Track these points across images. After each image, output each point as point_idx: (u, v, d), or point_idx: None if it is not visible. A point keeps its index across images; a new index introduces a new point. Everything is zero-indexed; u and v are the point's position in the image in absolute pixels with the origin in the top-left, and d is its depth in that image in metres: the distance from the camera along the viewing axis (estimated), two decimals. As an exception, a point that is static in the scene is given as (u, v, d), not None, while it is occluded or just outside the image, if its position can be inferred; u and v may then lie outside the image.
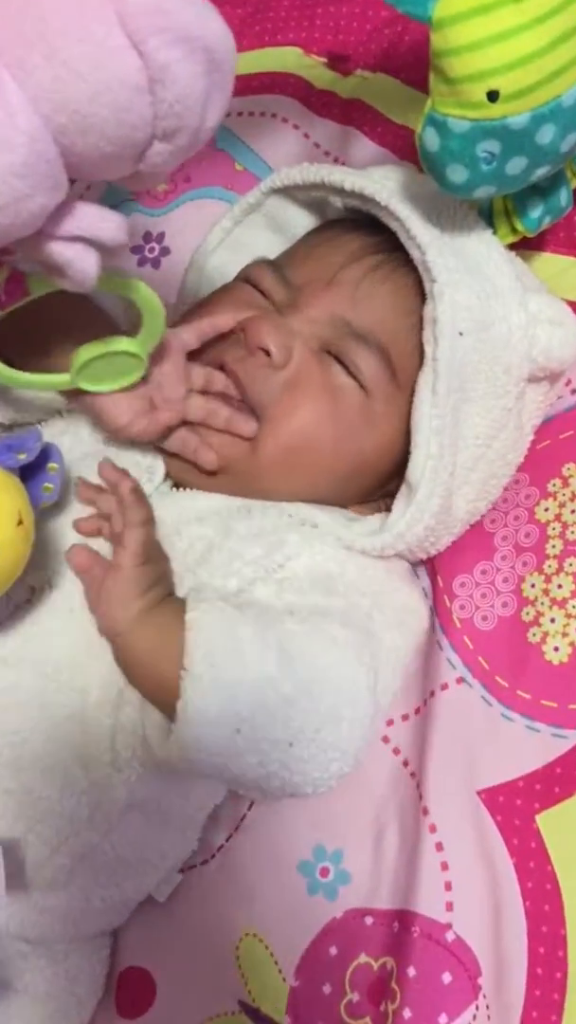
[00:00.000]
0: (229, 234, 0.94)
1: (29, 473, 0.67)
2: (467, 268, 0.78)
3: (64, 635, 0.77)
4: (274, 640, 0.72)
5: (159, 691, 0.72)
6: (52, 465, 0.69)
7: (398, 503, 0.82)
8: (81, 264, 0.54)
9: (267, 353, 0.79)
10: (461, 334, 0.77)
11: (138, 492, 0.76)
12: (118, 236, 0.54)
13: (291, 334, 0.81)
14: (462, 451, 0.80)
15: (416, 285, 0.81)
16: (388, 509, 0.84)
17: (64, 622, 0.77)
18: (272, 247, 0.93)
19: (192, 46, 0.48)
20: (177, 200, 1.08)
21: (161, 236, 1.09)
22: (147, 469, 0.82)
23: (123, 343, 0.67)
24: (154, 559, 0.76)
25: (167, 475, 0.84)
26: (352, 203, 0.84)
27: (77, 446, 0.83)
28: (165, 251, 1.08)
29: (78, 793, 0.76)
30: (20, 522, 0.61)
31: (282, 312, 0.82)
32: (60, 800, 0.76)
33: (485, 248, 0.81)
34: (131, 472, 0.80)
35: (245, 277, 0.86)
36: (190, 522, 0.81)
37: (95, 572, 0.75)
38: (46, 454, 0.69)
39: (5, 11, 0.47)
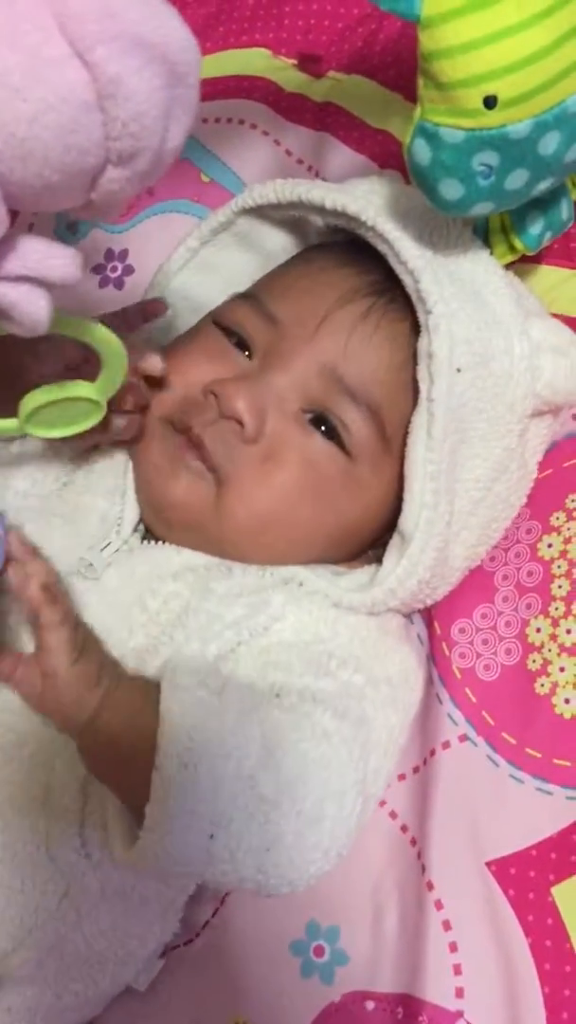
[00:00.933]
0: (196, 254, 0.86)
1: None
2: (465, 295, 0.72)
3: (30, 711, 0.69)
4: (257, 733, 0.65)
5: (126, 790, 0.65)
6: None
7: (390, 554, 0.75)
8: (29, 307, 0.47)
9: (239, 423, 0.73)
10: (459, 370, 0.70)
11: (49, 588, 0.66)
12: (69, 273, 0.47)
13: (268, 398, 0.74)
14: (460, 497, 0.74)
15: (411, 324, 0.74)
16: (379, 559, 0.77)
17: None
18: (245, 268, 0.87)
19: (149, 55, 0.41)
20: (140, 215, 1.01)
21: (124, 254, 1.01)
22: (115, 521, 0.76)
23: (80, 388, 0.61)
24: (89, 648, 0.68)
25: (139, 524, 0.77)
26: (335, 223, 0.77)
27: (33, 488, 0.76)
28: (128, 270, 1.01)
29: (43, 882, 0.69)
30: None
31: (263, 364, 0.75)
32: (23, 890, 0.69)
33: (483, 271, 0.75)
34: (97, 524, 0.74)
35: (219, 320, 0.79)
36: (164, 579, 0.74)
37: (29, 679, 0.67)
38: None
39: None
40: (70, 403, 0.62)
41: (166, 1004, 0.81)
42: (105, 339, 0.57)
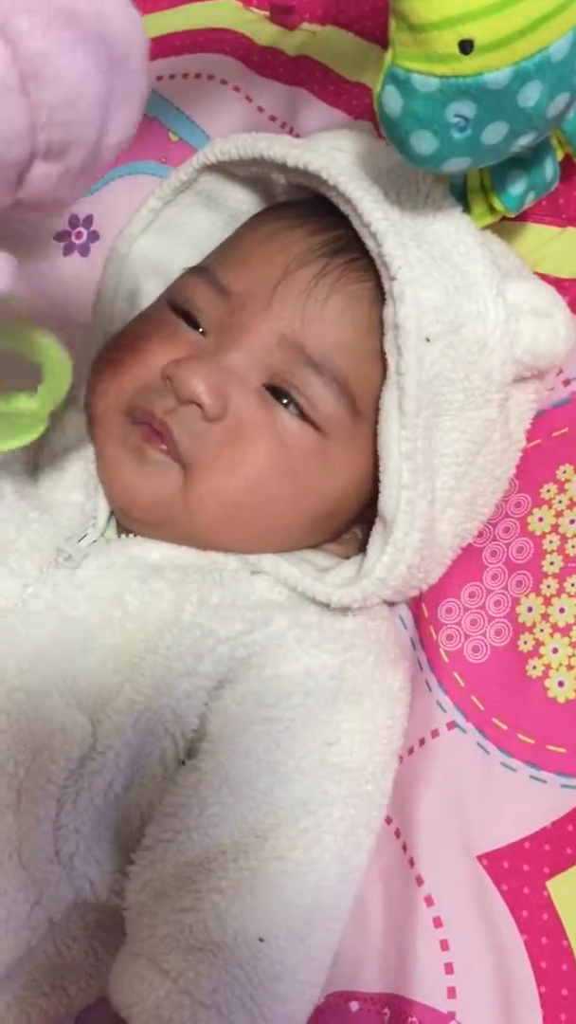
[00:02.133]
0: (158, 215, 0.82)
1: None
2: (432, 258, 0.68)
3: None
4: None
5: None
6: None
7: (373, 542, 0.71)
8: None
9: (200, 405, 0.68)
10: (428, 340, 0.66)
11: None
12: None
13: (227, 375, 0.70)
14: (441, 473, 0.70)
15: (376, 287, 0.70)
16: (365, 541, 0.73)
17: None
18: (210, 229, 0.83)
19: (80, 31, 0.36)
20: (105, 177, 0.95)
21: (89, 220, 0.96)
22: (91, 513, 0.73)
23: (20, 401, 0.56)
24: None
25: (111, 516, 0.74)
26: (299, 180, 0.73)
27: (7, 484, 0.72)
28: (94, 236, 0.97)
29: (13, 889, 0.66)
30: None
31: (219, 341, 0.71)
32: None
33: (454, 231, 0.70)
34: (74, 515, 0.71)
35: (170, 300, 0.76)
36: (145, 575, 0.70)
37: None
38: None
39: None
40: (8, 415, 0.57)
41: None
42: (45, 348, 0.52)
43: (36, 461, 0.75)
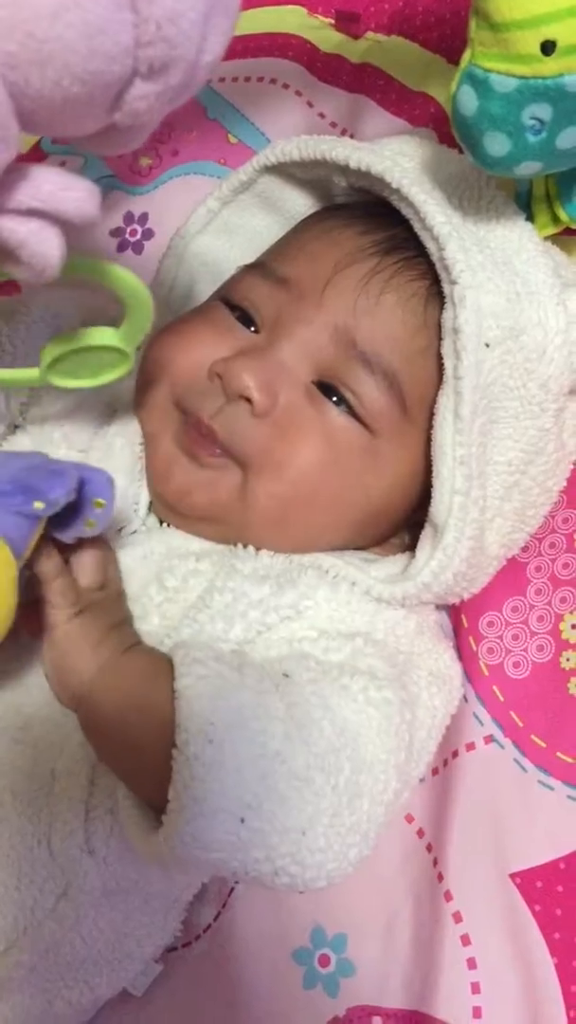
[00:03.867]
0: (216, 216, 0.81)
1: (68, 509, 0.57)
2: (494, 263, 0.67)
3: (39, 690, 0.66)
4: (281, 706, 0.59)
5: (139, 773, 0.60)
6: (98, 501, 0.58)
7: (423, 546, 0.70)
8: (39, 246, 0.42)
9: (249, 400, 0.68)
10: (487, 345, 0.65)
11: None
12: (86, 208, 0.42)
13: (276, 371, 0.69)
14: (492, 481, 0.69)
15: (431, 288, 0.69)
16: (412, 546, 0.72)
17: (38, 677, 0.65)
18: (267, 231, 0.82)
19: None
20: (163, 176, 0.96)
21: (144, 217, 0.96)
22: (133, 498, 0.72)
23: (104, 335, 0.56)
24: (97, 610, 0.63)
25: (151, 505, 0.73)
26: (360, 183, 0.72)
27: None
28: (148, 234, 0.96)
29: (42, 879, 0.65)
30: None
31: (271, 335, 0.71)
32: (19, 886, 0.65)
33: (516, 236, 0.69)
34: (117, 500, 0.68)
35: (224, 296, 0.75)
36: (185, 557, 0.69)
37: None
38: (92, 487, 0.58)
39: None
40: (94, 352, 0.57)
41: (161, 1012, 0.77)
42: (125, 280, 0.52)
43: (87, 447, 0.74)
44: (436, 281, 0.68)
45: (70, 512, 0.58)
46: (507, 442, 0.68)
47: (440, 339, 0.67)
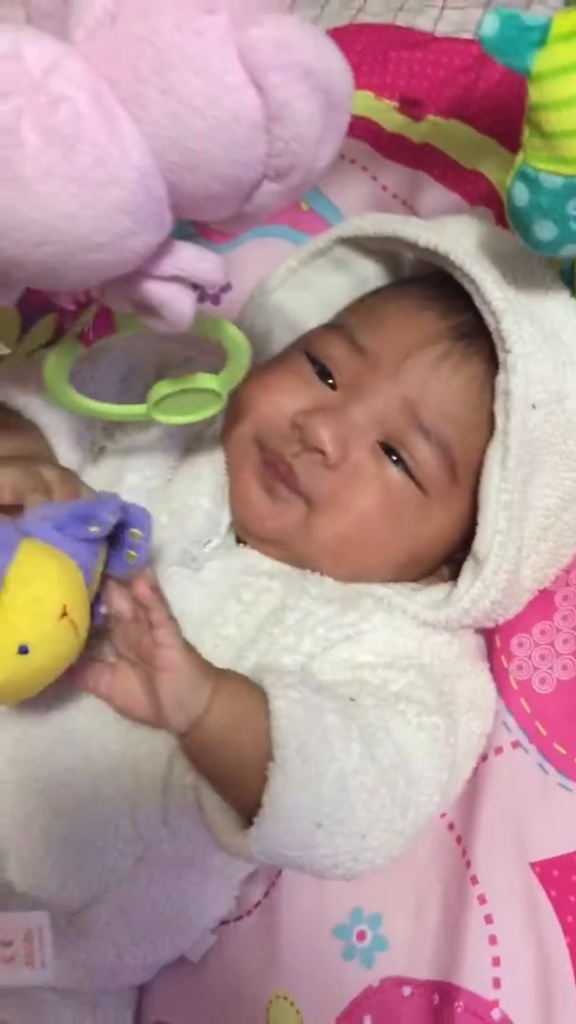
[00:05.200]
0: (295, 274, 0.92)
1: (110, 540, 0.65)
2: (543, 336, 0.76)
3: None
4: (356, 729, 0.70)
5: (236, 782, 0.70)
6: (134, 532, 0.66)
7: (465, 575, 0.80)
8: (177, 304, 0.53)
9: (323, 452, 0.78)
10: (534, 407, 0.74)
11: (157, 590, 0.70)
12: (216, 276, 0.53)
13: (349, 429, 0.78)
14: (530, 523, 0.78)
15: (487, 369, 0.78)
16: (453, 577, 0.82)
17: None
18: (340, 290, 0.92)
19: (313, 83, 0.46)
20: (242, 237, 1.07)
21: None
22: (216, 518, 0.81)
23: (206, 380, 0.66)
24: (190, 644, 0.72)
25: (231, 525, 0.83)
26: (425, 258, 0.82)
27: (143, 483, 0.81)
28: (226, 287, 1.06)
29: (123, 843, 0.74)
30: (64, 614, 0.57)
31: (346, 395, 0.80)
32: (105, 848, 0.75)
33: (563, 313, 0.78)
34: (202, 522, 0.79)
35: (308, 350, 0.83)
36: (259, 575, 0.80)
37: (124, 687, 0.71)
38: (128, 519, 0.65)
39: (122, 45, 0.46)
40: (193, 393, 0.67)
41: (213, 975, 0.85)
42: (234, 337, 0.63)
43: (175, 475, 0.83)
44: (494, 359, 0.77)
45: (113, 545, 0.66)
46: (545, 490, 0.78)
47: (494, 399, 0.77)
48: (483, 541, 0.77)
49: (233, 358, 0.65)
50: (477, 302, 0.77)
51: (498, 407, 0.76)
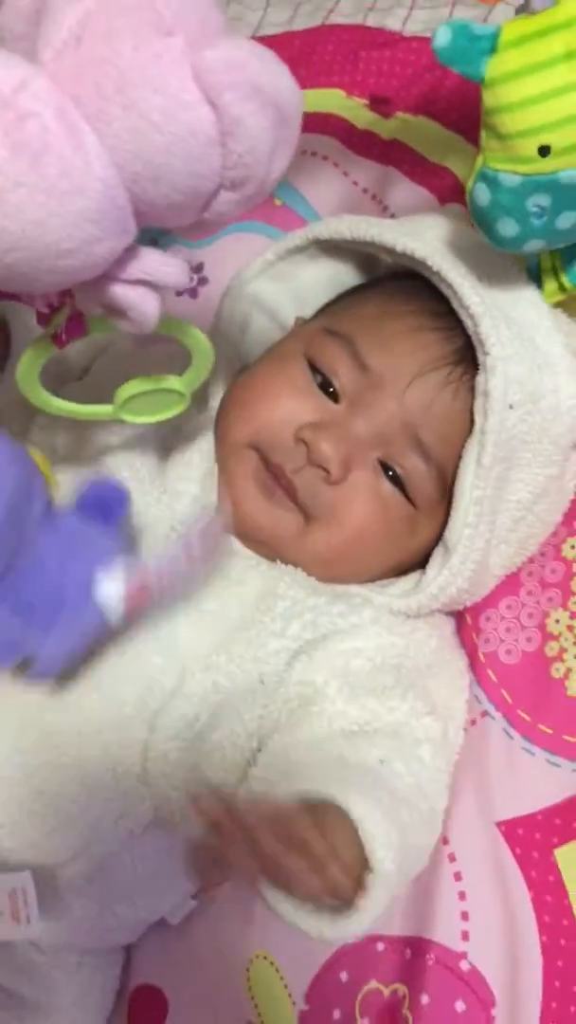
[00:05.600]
0: (272, 266, 0.94)
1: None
2: (520, 339, 0.78)
3: (107, 648, 0.78)
4: (410, 812, 0.74)
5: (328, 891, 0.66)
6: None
7: (434, 562, 0.84)
8: (143, 307, 0.56)
9: (326, 470, 0.80)
10: (511, 407, 0.77)
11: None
12: (180, 279, 0.56)
13: (354, 446, 0.80)
14: (502, 515, 0.81)
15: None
16: (422, 564, 0.86)
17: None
18: (316, 280, 0.94)
19: (263, 100, 0.50)
20: (219, 233, 1.10)
21: (200, 267, 1.11)
22: (202, 505, 0.83)
23: (171, 381, 0.70)
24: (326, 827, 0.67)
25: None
26: (402, 262, 0.84)
27: (133, 476, 0.83)
28: (203, 281, 1.11)
29: (105, 800, 0.78)
30: None
31: (351, 410, 0.82)
32: (88, 805, 0.77)
33: (536, 314, 0.81)
34: (189, 504, 0.82)
35: (312, 358, 0.84)
36: (244, 558, 0.83)
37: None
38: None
39: (86, 65, 0.50)
40: (158, 394, 0.70)
41: (195, 937, 0.90)
42: (198, 339, 0.67)
43: (165, 464, 0.85)
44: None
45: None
46: (519, 484, 0.81)
47: (473, 399, 0.79)
48: (453, 532, 0.80)
49: (198, 360, 0.69)
50: (455, 305, 0.79)
51: (477, 407, 0.78)
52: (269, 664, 0.80)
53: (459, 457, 0.81)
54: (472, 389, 0.80)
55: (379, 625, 0.82)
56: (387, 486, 0.82)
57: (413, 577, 0.87)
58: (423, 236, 0.83)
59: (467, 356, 0.81)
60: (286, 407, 0.83)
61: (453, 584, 0.82)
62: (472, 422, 0.79)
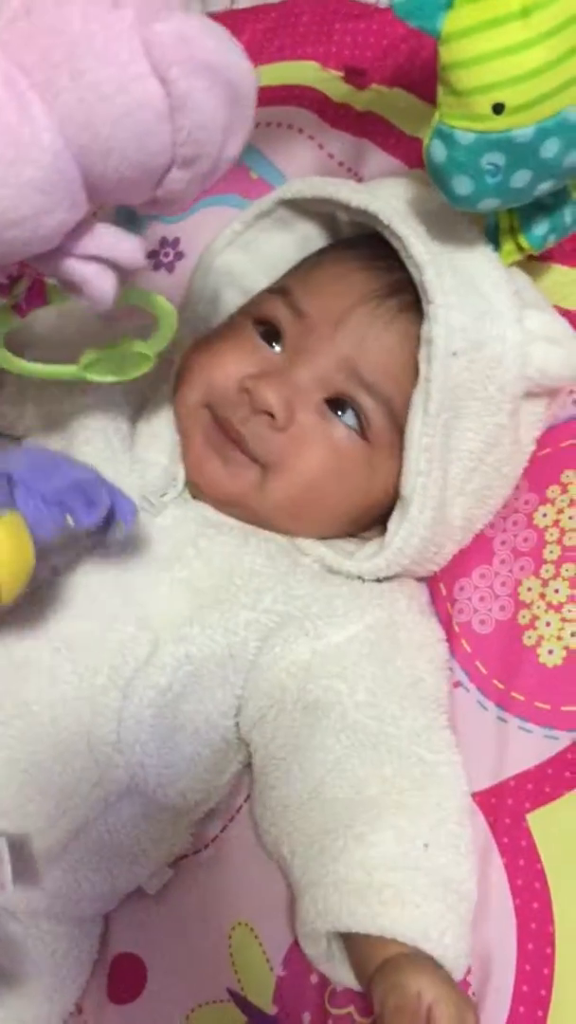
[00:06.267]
0: (239, 236, 0.95)
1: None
2: (465, 287, 0.79)
3: (81, 617, 0.80)
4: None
5: None
6: (120, 524, 0.70)
7: (394, 518, 0.85)
8: (98, 283, 0.57)
9: (271, 415, 0.82)
10: (455, 354, 0.78)
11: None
12: (135, 259, 0.57)
13: (295, 391, 0.82)
14: (454, 465, 0.82)
15: (419, 322, 0.82)
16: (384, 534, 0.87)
17: (82, 603, 0.80)
18: (284, 247, 0.96)
19: (213, 78, 0.50)
20: (194, 207, 1.10)
21: (176, 241, 1.11)
22: (173, 475, 0.85)
23: (136, 344, 0.71)
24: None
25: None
26: (358, 219, 0.86)
27: (106, 447, 0.84)
28: (180, 255, 1.11)
29: (79, 768, 0.78)
30: None
31: (291, 359, 0.84)
32: (63, 773, 0.78)
33: (484, 264, 0.82)
34: (159, 475, 0.84)
35: (255, 314, 0.88)
36: (217, 525, 0.85)
37: None
38: (119, 512, 0.70)
39: (35, 34, 0.50)
40: (123, 356, 0.71)
41: (174, 906, 0.90)
42: (162, 305, 0.68)
43: (134, 433, 0.87)
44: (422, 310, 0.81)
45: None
46: (468, 434, 0.82)
47: (419, 345, 0.81)
48: (407, 481, 0.82)
49: (162, 324, 0.69)
50: (403, 256, 0.81)
51: (421, 355, 0.80)
52: (238, 635, 0.81)
53: (408, 399, 0.82)
54: (415, 325, 0.81)
55: (361, 600, 0.84)
56: (337, 426, 0.84)
57: (377, 542, 0.88)
58: (380, 194, 0.85)
59: (401, 290, 0.82)
60: (231, 362, 0.85)
61: (415, 534, 0.82)
62: (418, 371, 0.80)
